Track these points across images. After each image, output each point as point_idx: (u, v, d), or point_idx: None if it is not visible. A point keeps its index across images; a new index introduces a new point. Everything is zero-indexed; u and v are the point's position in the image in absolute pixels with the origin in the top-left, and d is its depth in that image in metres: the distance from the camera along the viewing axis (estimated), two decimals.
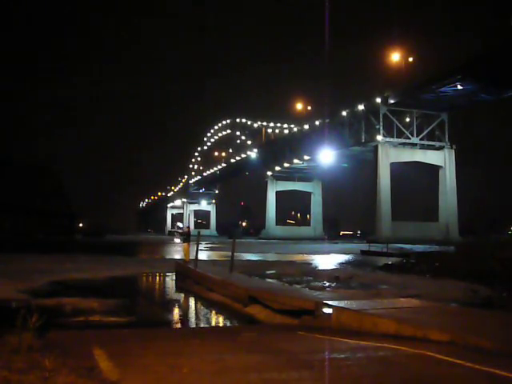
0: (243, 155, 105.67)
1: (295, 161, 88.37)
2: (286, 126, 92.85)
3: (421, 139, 67.30)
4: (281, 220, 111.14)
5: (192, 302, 13.05)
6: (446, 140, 67.67)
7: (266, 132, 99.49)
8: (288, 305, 8.84)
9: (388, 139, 65.92)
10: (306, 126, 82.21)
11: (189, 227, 23.24)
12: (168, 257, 33.27)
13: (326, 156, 77.39)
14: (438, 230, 64.25)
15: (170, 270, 19.62)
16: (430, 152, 67.52)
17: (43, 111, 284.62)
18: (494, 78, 51.94)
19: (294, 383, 4.37)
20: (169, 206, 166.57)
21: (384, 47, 64.88)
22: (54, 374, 4.05)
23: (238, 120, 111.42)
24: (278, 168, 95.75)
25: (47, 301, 11.26)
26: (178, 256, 29.09)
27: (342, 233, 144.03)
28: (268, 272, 19.31)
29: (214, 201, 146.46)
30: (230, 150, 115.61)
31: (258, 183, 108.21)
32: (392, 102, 64.15)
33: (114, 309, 10.79)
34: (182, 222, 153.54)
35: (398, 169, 66.93)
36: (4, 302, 10.97)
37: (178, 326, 9.86)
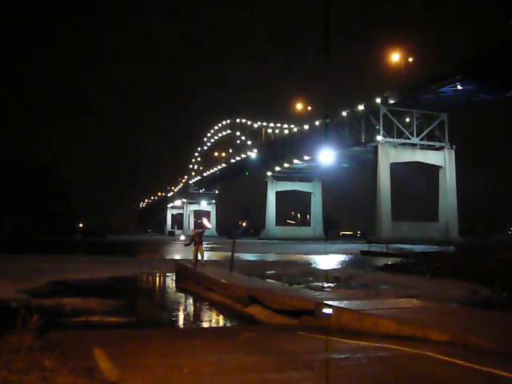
0: (243, 155, 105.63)
1: (295, 161, 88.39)
2: (286, 126, 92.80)
3: (421, 139, 67.31)
4: (281, 220, 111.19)
5: (192, 302, 13.03)
6: (446, 140, 67.70)
7: (266, 132, 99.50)
8: (288, 305, 8.84)
9: (388, 139, 65.95)
10: (306, 126, 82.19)
11: (196, 230, 23.15)
12: (168, 257, 33.24)
13: (326, 156, 77.35)
14: (438, 230, 64.29)
15: (170, 270, 19.64)
16: (429, 152, 67.55)
17: (43, 111, 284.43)
18: (494, 78, 51.95)
19: (294, 383, 4.37)
20: (169, 206, 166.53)
21: (384, 47, 65.10)
22: (54, 375, 4.05)
23: (237, 120, 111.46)
24: (277, 168, 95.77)
25: (47, 301, 11.23)
26: (178, 256, 29.08)
27: (342, 233, 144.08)
28: (268, 272, 19.30)
29: (214, 201, 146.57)
30: (230, 151, 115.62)
31: (258, 183, 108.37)
32: (392, 102, 64.20)
33: (114, 309, 10.76)
34: (181, 222, 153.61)
35: (397, 169, 66.98)
36: (4, 302, 10.94)
37: (178, 326, 9.85)
